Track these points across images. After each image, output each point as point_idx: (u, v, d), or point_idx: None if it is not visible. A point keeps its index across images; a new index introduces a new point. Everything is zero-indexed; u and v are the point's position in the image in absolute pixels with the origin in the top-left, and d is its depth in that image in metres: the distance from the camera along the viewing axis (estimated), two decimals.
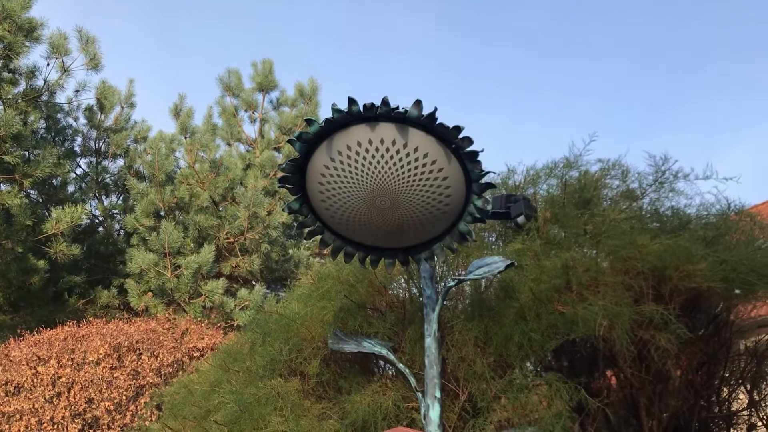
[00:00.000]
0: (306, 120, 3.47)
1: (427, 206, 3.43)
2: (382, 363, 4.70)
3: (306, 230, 3.87)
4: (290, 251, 15.25)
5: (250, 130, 16.33)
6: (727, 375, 5.12)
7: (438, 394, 3.94)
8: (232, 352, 5.14)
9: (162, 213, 14.54)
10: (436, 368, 4.01)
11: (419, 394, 4.00)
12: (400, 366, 4.19)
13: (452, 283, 4.17)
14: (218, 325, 11.85)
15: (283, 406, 4.01)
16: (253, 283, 14.49)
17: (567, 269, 4.10)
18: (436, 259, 3.85)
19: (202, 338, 10.51)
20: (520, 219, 4.38)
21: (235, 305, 13.68)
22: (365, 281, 4.66)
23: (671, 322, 3.90)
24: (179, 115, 15.91)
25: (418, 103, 3.33)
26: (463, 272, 4.71)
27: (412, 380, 4.09)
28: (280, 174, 3.67)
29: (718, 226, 4.42)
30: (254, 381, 4.43)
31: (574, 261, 4.17)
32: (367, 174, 3.31)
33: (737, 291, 4.17)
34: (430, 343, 4.05)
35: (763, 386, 5.09)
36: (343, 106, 3.34)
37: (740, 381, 5.20)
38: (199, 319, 12.11)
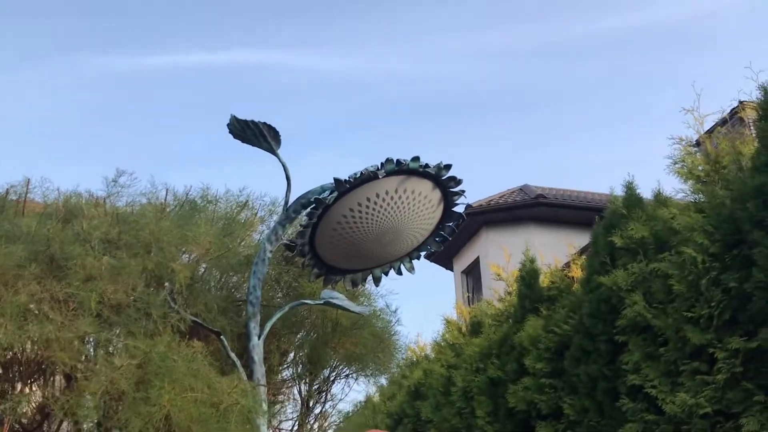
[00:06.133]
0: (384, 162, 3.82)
1: (402, 252, 4.08)
2: None
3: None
4: None
5: None
6: None
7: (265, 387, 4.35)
8: None
9: None
10: (263, 367, 4.42)
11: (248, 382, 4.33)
12: (233, 355, 4.44)
13: (310, 302, 4.67)
14: None
15: None
16: None
17: None
18: (344, 285, 4.42)
19: None
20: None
21: None
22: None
23: None
24: None
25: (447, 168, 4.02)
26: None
27: (243, 372, 4.39)
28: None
29: None
30: None
31: None
32: (388, 215, 3.82)
33: None
34: (256, 342, 4.45)
35: None
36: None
37: None
38: None
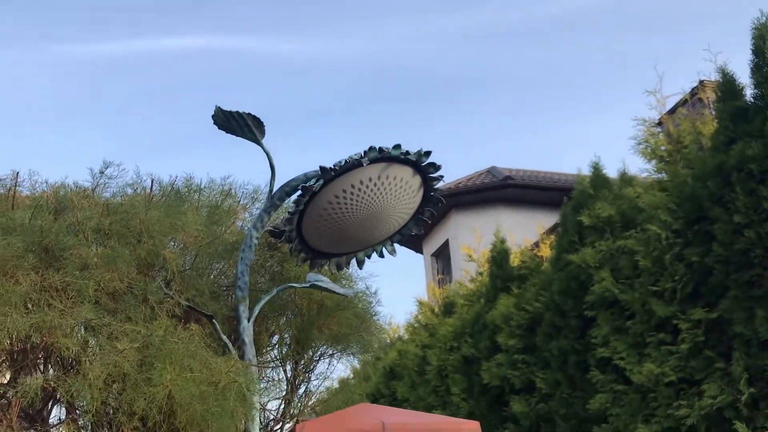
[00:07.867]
0: (368, 150, 4.01)
1: (384, 236, 4.27)
2: None
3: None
4: None
5: None
6: None
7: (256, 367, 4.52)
8: None
9: None
10: (254, 348, 4.58)
11: (241, 363, 4.49)
12: (224, 337, 4.59)
13: (296, 285, 4.83)
14: None
15: None
16: None
17: None
18: (329, 268, 4.59)
19: None
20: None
21: None
22: None
23: None
24: None
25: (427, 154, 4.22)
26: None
27: (234, 352, 4.54)
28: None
29: None
30: None
31: None
32: (372, 201, 4.00)
33: None
34: (246, 325, 4.61)
35: None
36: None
37: None
38: None
